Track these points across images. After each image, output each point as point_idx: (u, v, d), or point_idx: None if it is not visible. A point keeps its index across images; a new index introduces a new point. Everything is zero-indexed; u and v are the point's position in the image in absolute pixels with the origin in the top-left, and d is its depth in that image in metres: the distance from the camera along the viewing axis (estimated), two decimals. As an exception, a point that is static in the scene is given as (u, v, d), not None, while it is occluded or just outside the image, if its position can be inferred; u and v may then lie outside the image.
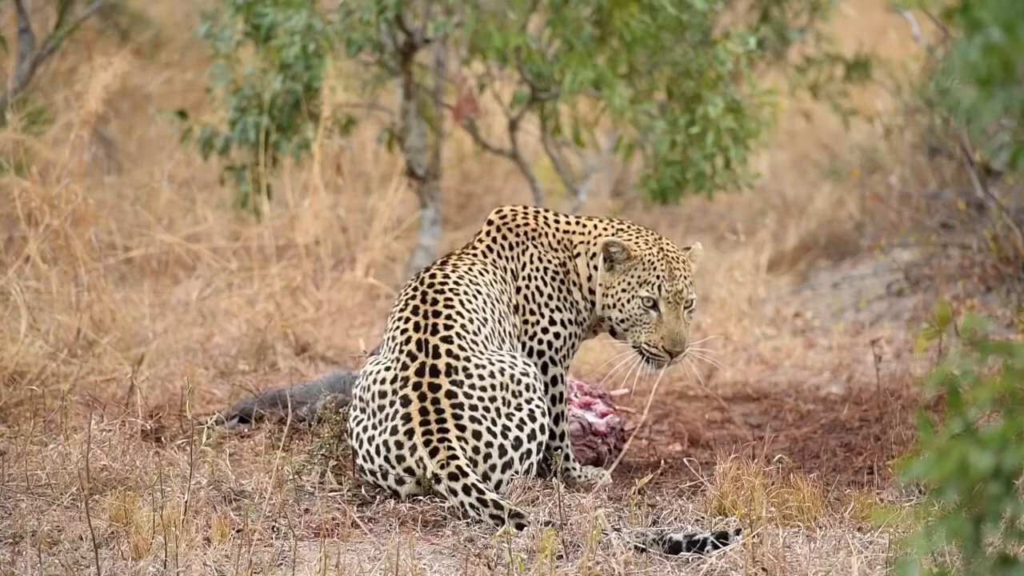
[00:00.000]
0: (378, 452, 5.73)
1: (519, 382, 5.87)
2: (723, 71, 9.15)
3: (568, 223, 6.35)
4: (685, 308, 6.26)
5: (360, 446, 5.79)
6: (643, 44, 9.16)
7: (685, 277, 6.26)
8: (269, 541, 5.23)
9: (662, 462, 6.37)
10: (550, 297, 6.25)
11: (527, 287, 6.24)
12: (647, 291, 6.26)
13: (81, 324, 7.41)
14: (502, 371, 5.84)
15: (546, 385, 6.20)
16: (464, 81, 9.80)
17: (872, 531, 5.41)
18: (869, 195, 10.74)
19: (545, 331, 6.23)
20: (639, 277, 6.27)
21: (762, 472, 5.60)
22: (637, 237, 6.31)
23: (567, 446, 6.16)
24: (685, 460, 6.30)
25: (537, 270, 6.27)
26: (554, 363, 6.22)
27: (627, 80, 9.35)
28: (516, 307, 6.22)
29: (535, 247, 6.28)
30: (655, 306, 6.26)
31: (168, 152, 10.52)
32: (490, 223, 6.29)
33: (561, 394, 6.20)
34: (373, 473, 5.73)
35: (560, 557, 5.14)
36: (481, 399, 5.80)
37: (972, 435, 3.02)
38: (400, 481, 5.70)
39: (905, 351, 8.46)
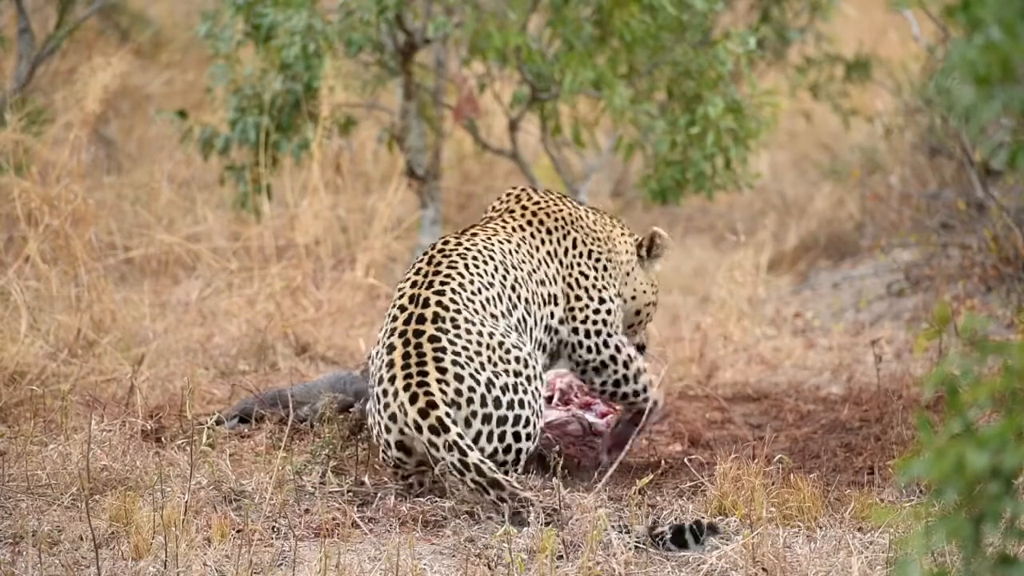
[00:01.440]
0: (379, 417, 5.71)
1: (508, 351, 5.84)
2: (723, 71, 9.14)
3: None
4: None
5: (373, 426, 5.78)
6: (643, 44, 9.16)
7: None
8: (269, 541, 5.23)
9: (662, 462, 6.37)
10: (596, 279, 6.34)
11: (570, 275, 6.30)
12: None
13: (81, 324, 7.41)
14: (491, 335, 5.82)
15: (614, 357, 6.29)
16: (464, 81, 9.80)
17: (872, 531, 5.41)
18: (869, 195, 10.74)
19: (597, 312, 6.30)
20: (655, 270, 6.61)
21: (762, 472, 5.61)
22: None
23: (650, 395, 6.37)
24: (685, 460, 6.31)
25: (580, 255, 6.34)
26: (611, 335, 6.31)
27: (627, 80, 9.35)
28: (560, 294, 6.27)
29: (576, 231, 6.35)
30: None
31: (168, 152, 10.52)
32: (524, 208, 6.31)
33: (631, 355, 6.33)
34: (386, 450, 5.71)
35: (560, 557, 5.14)
36: (466, 348, 5.77)
37: (971, 435, 3.02)
38: (402, 447, 5.67)
39: (905, 351, 8.46)
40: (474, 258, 6.00)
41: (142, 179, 10.06)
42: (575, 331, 6.26)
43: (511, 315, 6.02)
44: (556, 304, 6.24)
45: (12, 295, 7.35)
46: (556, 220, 6.32)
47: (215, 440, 6.11)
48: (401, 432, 5.65)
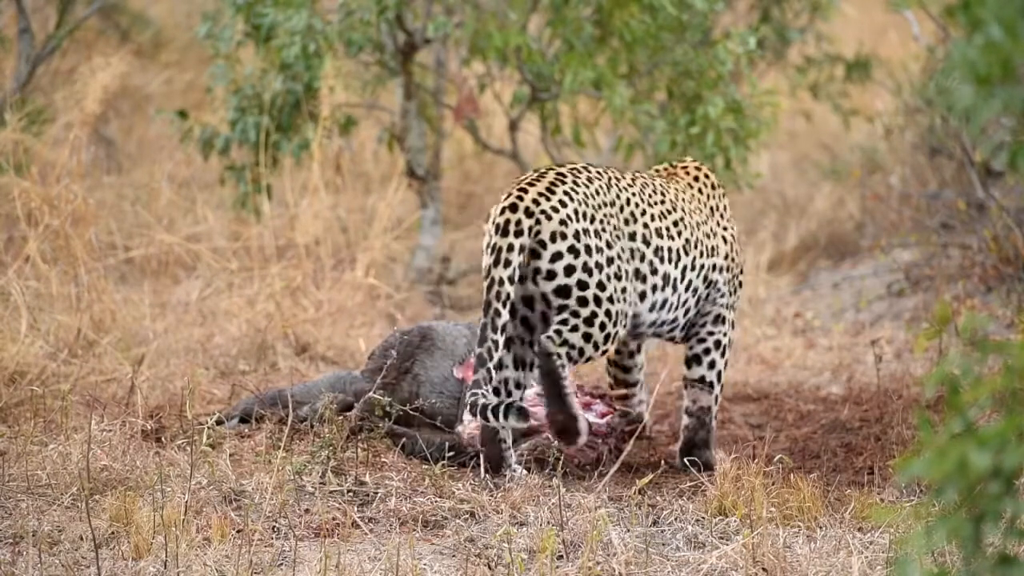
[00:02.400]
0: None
1: (621, 232, 6.05)
2: (723, 71, 9.14)
3: None
4: None
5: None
6: (643, 44, 9.16)
7: None
8: (269, 541, 5.23)
9: (662, 462, 6.36)
10: (737, 246, 6.52)
11: (725, 231, 6.48)
12: None
13: (81, 324, 7.41)
14: (614, 219, 6.04)
15: (731, 323, 6.41)
16: (464, 81, 9.79)
17: (872, 531, 5.41)
18: (869, 195, 10.74)
19: (735, 277, 6.48)
20: None
21: (762, 472, 5.61)
22: None
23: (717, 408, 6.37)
24: (685, 460, 6.30)
25: (730, 219, 6.55)
26: (731, 308, 6.43)
27: (627, 80, 9.34)
28: (720, 245, 6.42)
29: (726, 196, 6.61)
30: None
31: (168, 152, 10.51)
32: (686, 169, 6.52)
33: (730, 343, 6.39)
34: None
35: (560, 557, 5.14)
36: (586, 198, 5.97)
37: (973, 435, 3.02)
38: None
39: (905, 351, 8.46)
40: (645, 183, 6.22)
41: (142, 179, 10.05)
42: (724, 282, 6.42)
43: (669, 239, 6.19)
44: (718, 255, 6.36)
45: (12, 295, 7.35)
46: (717, 177, 6.60)
47: (215, 440, 6.10)
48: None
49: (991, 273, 8.85)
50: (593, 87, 9.19)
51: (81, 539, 5.12)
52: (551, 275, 5.81)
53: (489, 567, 5.03)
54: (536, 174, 5.98)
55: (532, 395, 6.31)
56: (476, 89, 9.95)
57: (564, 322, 5.84)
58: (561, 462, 5.90)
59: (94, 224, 7.93)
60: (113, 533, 5.18)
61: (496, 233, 5.78)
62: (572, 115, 10.16)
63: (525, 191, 5.86)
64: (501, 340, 5.73)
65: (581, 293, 5.81)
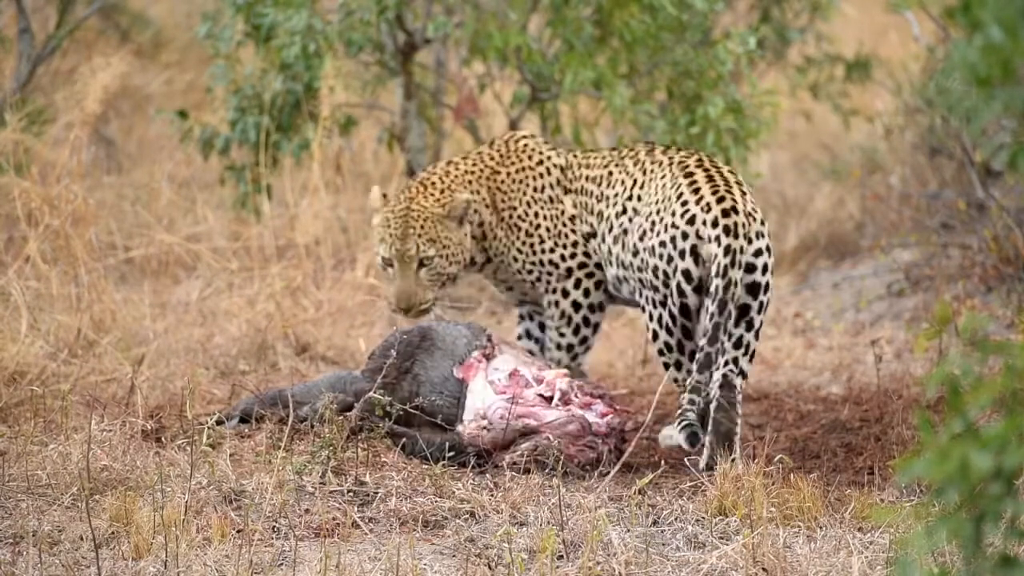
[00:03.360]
0: (671, 228, 5.99)
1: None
2: (723, 71, 9.13)
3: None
4: (421, 266, 6.48)
5: (656, 245, 6.07)
6: (643, 44, 9.15)
7: (418, 235, 6.46)
8: (269, 541, 5.23)
9: (662, 462, 6.36)
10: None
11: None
12: (382, 250, 6.72)
13: (81, 324, 7.41)
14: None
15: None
16: (464, 81, 9.79)
17: (872, 531, 5.41)
18: (869, 195, 10.73)
19: None
20: (377, 236, 6.73)
21: (762, 472, 5.61)
22: (398, 194, 6.81)
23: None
24: (685, 460, 6.30)
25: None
26: None
27: (627, 80, 9.34)
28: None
29: None
30: (390, 264, 6.69)
31: (168, 152, 10.50)
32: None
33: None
34: (675, 266, 5.99)
35: (560, 557, 5.14)
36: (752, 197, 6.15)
37: (973, 435, 3.02)
38: (695, 253, 5.92)
39: (905, 351, 8.46)
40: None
41: (142, 179, 10.05)
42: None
43: None
44: None
45: (12, 295, 7.35)
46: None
47: (215, 440, 6.10)
48: (697, 236, 5.86)
49: (991, 273, 8.85)
50: (593, 87, 9.19)
51: (81, 539, 5.12)
52: (756, 283, 6.02)
53: (489, 567, 5.03)
54: (706, 171, 6.13)
55: (532, 396, 6.31)
56: (476, 89, 9.95)
57: (739, 343, 6.08)
58: (561, 462, 5.90)
59: (94, 224, 7.93)
60: (113, 533, 5.18)
61: (727, 235, 5.85)
62: (572, 115, 10.16)
63: (730, 191, 6.01)
64: (729, 345, 5.83)
65: (763, 297, 6.04)
